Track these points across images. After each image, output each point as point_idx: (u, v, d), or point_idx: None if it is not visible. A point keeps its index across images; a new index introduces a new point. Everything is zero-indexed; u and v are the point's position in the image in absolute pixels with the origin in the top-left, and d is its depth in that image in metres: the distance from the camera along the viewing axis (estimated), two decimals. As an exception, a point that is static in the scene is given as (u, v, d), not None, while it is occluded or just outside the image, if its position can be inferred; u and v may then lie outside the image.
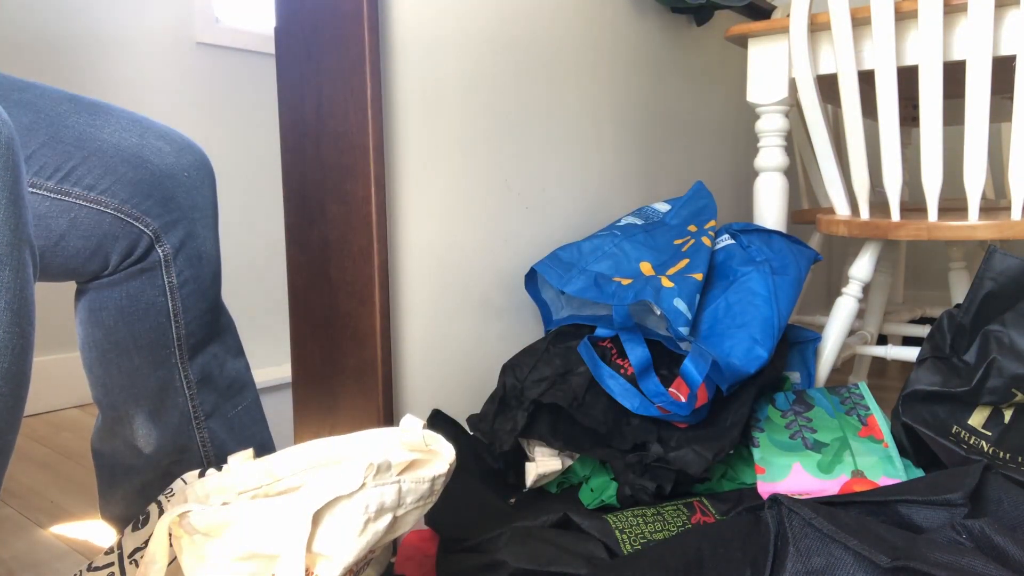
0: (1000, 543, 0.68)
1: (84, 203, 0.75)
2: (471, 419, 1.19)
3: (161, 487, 0.84)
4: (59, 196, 0.74)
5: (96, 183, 0.75)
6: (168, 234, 0.79)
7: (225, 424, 0.86)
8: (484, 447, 1.13)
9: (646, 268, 1.24)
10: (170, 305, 0.80)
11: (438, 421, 1.17)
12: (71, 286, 1.90)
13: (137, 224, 0.77)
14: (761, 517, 0.77)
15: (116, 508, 0.88)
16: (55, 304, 1.91)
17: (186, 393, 0.83)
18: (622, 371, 1.15)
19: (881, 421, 1.10)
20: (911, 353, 1.38)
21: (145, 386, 0.81)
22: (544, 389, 1.08)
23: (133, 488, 0.85)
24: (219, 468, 0.85)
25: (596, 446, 1.05)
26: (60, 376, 1.91)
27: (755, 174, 1.46)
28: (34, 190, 0.74)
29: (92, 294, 0.80)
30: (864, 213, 1.30)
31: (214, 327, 0.85)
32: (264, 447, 0.91)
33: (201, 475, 0.75)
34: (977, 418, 1.04)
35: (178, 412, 0.83)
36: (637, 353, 1.09)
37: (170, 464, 0.84)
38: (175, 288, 0.80)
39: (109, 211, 0.75)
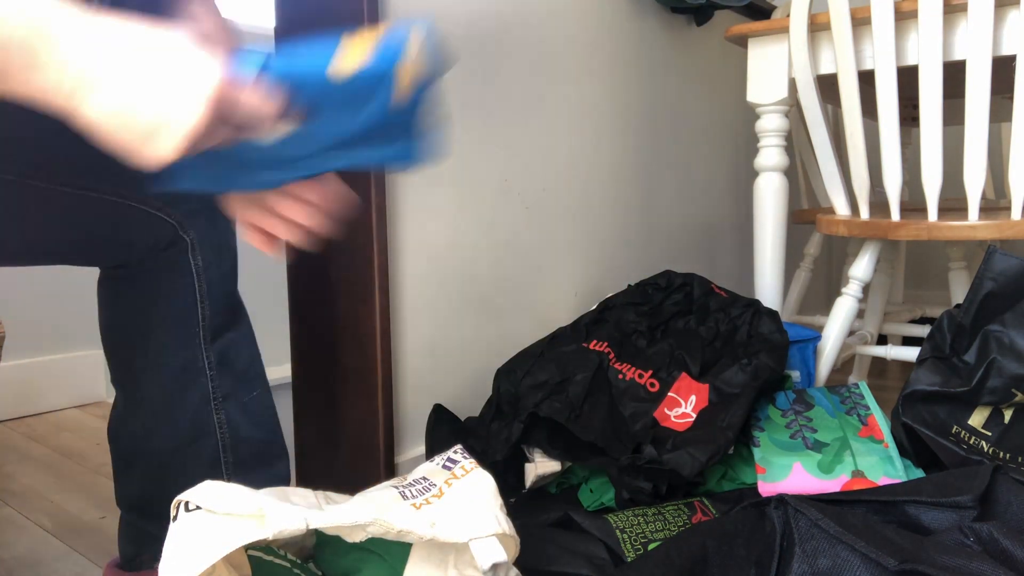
0: (1008, 547, 0.67)
1: (112, 197, 0.79)
2: (468, 422, 1.19)
3: (177, 470, 0.85)
4: (86, 192, 0.78)
5: (119, 180, 0.79)
6: (191, 222, 0.83)
7: (240, 408, 0.88)
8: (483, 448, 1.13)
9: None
10: (197, 286, 0.84)
11: (440, 416, 1.17)
12: (70, 286, 1.90)
13: (160, 215, 0.81)
14: (766, 514, 0.76)
15: (132, 492, 0.90)
16: (55, 303, 1.91)
17: (207, 374, 0.85)
18: (621, 375, 1.15)
19: (881, 421, 1.10)
20: (911, 353, 1.38)
21: (170, 365, 0.84)
22: (541, 398, 1.08)
23: (150, 470, 0.87)
24: (234, 452, 0.87)
25: (593, 455, 1.05)
26: (60, 376, 1.91)
27: (755, 174, 1.46)
28: (64, 187, 0.78)
29: (122, 273, 0.84)
30: (864, 213, 1.30)
31: (233, 314, 0.88)
32: (274, 434, 0.92)
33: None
34: (977, 418, 1.04)
35: (198, 393, 0.85)
36: None
37: (187, 446, 0.85)
38: (201, 271, 0.84)
39: (134, 204, 0.80)
